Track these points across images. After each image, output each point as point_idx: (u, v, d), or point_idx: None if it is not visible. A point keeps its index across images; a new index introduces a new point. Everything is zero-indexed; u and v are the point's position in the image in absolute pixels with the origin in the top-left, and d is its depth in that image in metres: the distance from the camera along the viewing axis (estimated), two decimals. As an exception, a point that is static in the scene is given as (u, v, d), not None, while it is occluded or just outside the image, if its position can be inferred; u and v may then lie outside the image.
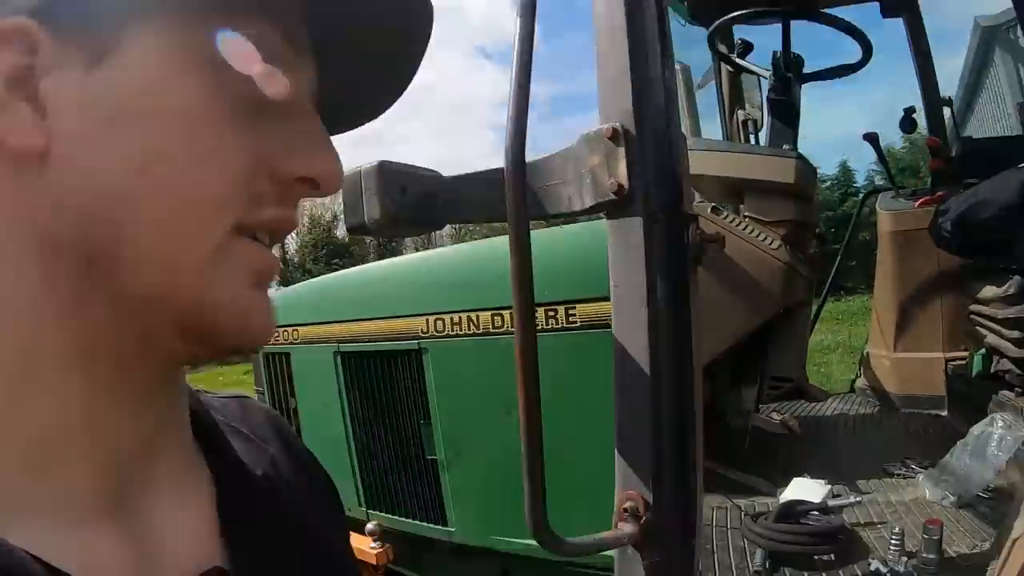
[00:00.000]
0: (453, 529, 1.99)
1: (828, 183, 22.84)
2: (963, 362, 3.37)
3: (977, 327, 2.94)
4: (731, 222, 2.67)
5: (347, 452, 2.28)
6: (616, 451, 1.21)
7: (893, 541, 1.81)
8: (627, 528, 1.05)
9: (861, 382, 4.20)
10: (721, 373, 2.78)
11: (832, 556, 1.88)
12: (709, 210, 2.61)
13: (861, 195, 5.82)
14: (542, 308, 1.67)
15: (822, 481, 2.37)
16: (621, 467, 1.15)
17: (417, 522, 2.07)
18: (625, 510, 1.08)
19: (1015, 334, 2.54)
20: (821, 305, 4.61)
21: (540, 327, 1.63)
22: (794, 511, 2.09)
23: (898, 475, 2.50)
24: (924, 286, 3.72)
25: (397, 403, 2.09)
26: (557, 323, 1.71)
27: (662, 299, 1.04)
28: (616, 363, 1.12)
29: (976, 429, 2.25)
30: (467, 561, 2.02)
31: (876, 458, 2.70)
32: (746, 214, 2.76)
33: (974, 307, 2.98)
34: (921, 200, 3.77)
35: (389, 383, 2.13)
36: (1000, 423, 2.17)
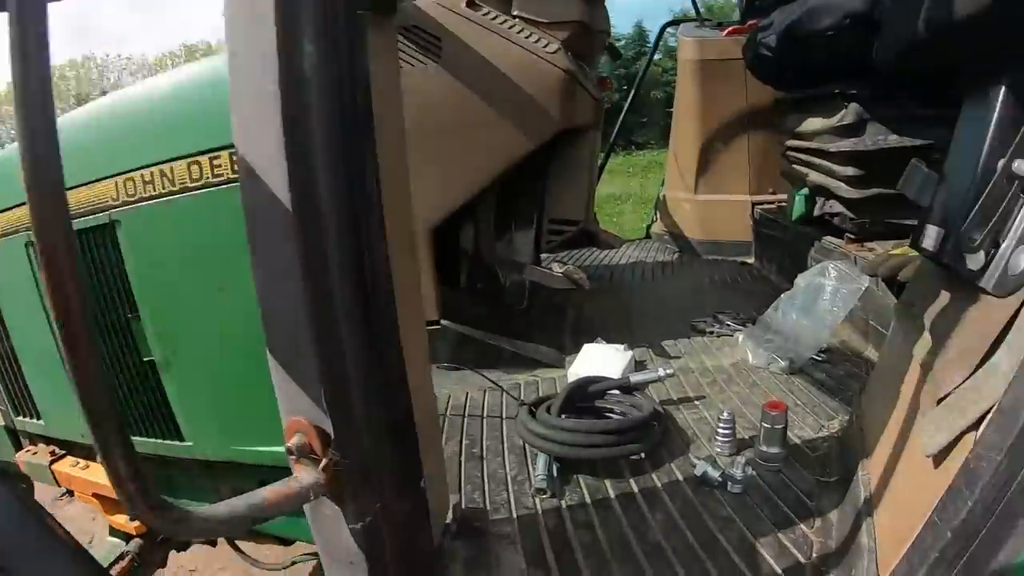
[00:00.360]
0: (191, 443, 1.64)
1: (623, 42, 23.14)
2: (772, 205, 3.08)
3: (795, 165, 2.55)
4: (495, 20, 2.00)
5: (62, 366, 1.56)
6: (268, 354, 0.80)
7: (722, 429, 1.33)
8: (305, 477, 0.71)
9: (658, 227, 3.89)
10: (485, 215, 2.21)
11: (643, 455, 1.35)
12: (464, 4, 1.97)
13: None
14: (205, 156, 1.34)
15: (620, 345, 1.89)
16: (280, 380, 0.78)
17: (149, 439, 1.69)
18: (291, 451, 0.73)
19: (849, 171, 2.12)
20: (608, 155, 4.23)
21: (204, 180, 1.35)
22: (587, 392, 1.55)
23: (711, 333, 2.09)
24: (730, 122, 3.36)
25: (100, 297, 1.65)
26: (222, 173, 1.34)
27: (314, 77, 0.64)
28: (245, 204, 0.74)
29: (802, 280, 1.86)
30: (218, 477, 1.69)
31: (683, 313, 2.28)
32: (516, 13, 2.12)
33: (792, 143, 2.57)
34: (730, 29, 3.42)
35: (86, 273, 1.62)
36: (833, 273, 1.77)
